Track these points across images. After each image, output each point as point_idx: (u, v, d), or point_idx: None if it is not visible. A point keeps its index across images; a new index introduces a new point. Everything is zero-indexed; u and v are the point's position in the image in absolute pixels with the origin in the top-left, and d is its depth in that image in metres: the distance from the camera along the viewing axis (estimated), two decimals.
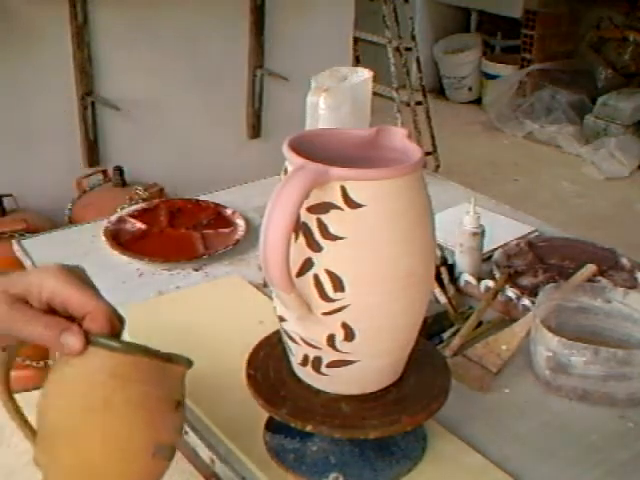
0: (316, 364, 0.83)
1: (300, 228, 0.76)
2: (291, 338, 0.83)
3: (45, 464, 0.68)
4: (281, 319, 0.83)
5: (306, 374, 0.86)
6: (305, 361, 0.83)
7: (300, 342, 0.82)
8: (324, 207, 0.74)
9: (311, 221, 0.75)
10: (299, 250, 0.76)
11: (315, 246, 0.75)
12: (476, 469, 0.91)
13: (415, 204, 0.78)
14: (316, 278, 0.76)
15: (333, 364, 0.82)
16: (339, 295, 0.76)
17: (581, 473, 0.93)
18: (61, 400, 0.66)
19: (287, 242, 0.72)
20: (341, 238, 0.75)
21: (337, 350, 0.80)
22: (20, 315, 0.66)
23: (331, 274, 0.76)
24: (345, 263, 0.76)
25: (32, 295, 0.67)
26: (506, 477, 0.90)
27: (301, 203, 0.72)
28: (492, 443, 0.95)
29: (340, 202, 0.74)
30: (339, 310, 0.77)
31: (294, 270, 0.76)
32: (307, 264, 0.76)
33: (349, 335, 0.79)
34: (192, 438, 0.97)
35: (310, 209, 0.75)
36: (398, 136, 0.82)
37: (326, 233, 0.75)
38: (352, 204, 0.74)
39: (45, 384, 0.68)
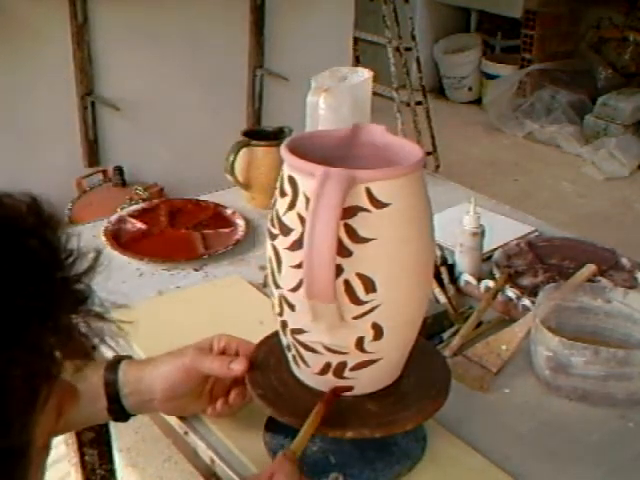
0: (339, 370, 0.82)
1: None
2: (310, 349, 0.82)
3: None
4: (298, 332, 0.82)
5: (315, 380, 0.85)
6: (326, 369, 0.82)
7: (322, 351, 0.81)
8: (351, 211, 0.74)
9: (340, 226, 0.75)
10: None
11: (344, 252, 0.75)
12: (476, 469, 0.91)
13: (425, 199, 0.80)
14: (346, 283, 0.76)
15: (358, 366, 0.82)
16: (371, 296, 0.77)
17: (581, 473, 0.93)
18: None
19: (333, 253, 0.72)
20: (371, 239, 0.75)
21: (364, 351, 0.80)
22: (203, 356, 0.91)
23: (362, 277, 0.76)
24: (376, 263, 0.76)
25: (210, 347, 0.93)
26: (506, 477, 0.90)
27: (340, 212, 0.72)
28: (492, 443, 0.95)
29: (366, 204, 0.74)
30: (370, 311, 0.77)
31: None
32: (336, 271, 0.75)
33: (378, 334, 0.79)
34: (192, 438, 0.97)
35: None
36: (378, 132, 0.83)
37: (355, 237, 0.75)
38: (378, 204, 0.74)
39: None
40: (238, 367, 0.88)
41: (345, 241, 0.75)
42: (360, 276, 0.76)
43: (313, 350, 0.82)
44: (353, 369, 0.82)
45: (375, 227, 0.75)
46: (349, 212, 0.74)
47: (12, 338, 0.48)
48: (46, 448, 0.58)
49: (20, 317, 0.49)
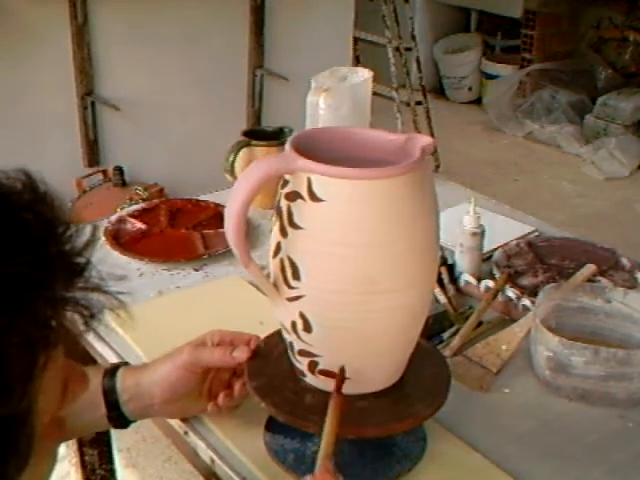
0: (291, 348, 0.85)
1: (279, 213, 0.80)
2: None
3: None
4: None
5: (295, 365, 0.87)
6: (285, 343, 0.87)
7: (280, 323, 0.85)
8: (293, 196, 0.78)
9: (284, 207, 0.79)
10: (275, 233, 0.80)
11: (284, 232, 0.79)
12: (476, 469, 0.91)
13: (385, 211, 0.77)
14: (281, 262, 0.80)
15: (302, 353, 0.84)
16: (297, 284, 0.79)
17: (581, 473, 0.93)
18: None
19: (240, 217, 0.76)
20: (301, 228, 0.78)
21: (301, 339, 0.82)
22: (202, 349, 0.91)
23: (291, 261, 0.79)
24: (301, 253, 0.79)
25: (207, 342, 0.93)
26: (506, 477, 0.90)
27: (259, 184, 0.76)
28: (492, 443, 0.95)
29: (305, 193, 0.77)
30: (298, 298, 0.80)
31: (270, 251, 0.81)
32: (278, 248, 0.80)
33: (307, 326, 0.81)
34: (192, 438, 0.97)
35: (286, 196, 0.79)
36: (420, 143, 0.80)
37: (291, 220, 0.78)
38: (314, 197, 0.76)
39: None
40: (241, 355, 0.89)
41: (285, 222, 0.79)
42: (289, 260, 0.79)
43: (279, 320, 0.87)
44: (300, 354, 0.84)
45: (306, 218, 0.77)
46: (291, 196, 0.78)
47: (8, 306, 0.49)
48: (56, 430, 0.58)
49: (15, 285, 0.49)
